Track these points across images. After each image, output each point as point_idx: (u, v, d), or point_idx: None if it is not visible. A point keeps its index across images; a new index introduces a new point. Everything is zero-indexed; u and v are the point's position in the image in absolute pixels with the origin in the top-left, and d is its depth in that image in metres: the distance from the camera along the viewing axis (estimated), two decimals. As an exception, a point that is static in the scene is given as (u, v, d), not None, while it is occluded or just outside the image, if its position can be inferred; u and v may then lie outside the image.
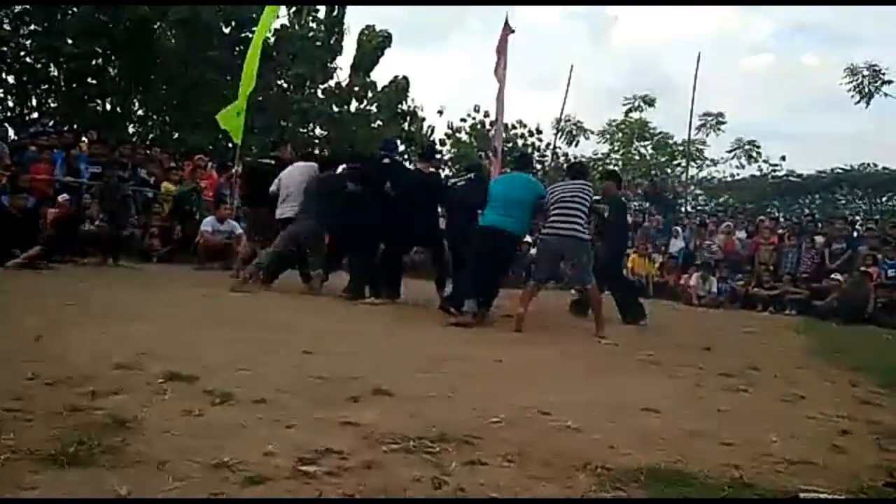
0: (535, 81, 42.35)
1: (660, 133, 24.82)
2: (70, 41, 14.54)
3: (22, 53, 15.01)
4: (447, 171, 26.06)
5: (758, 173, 24.32)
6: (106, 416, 2.28)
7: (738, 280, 11.27)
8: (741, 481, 2.22)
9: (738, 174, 24.55)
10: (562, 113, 17.24)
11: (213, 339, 4.05)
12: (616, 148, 25.80)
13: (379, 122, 20.18)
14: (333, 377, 3.19)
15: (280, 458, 2.04)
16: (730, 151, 23.79)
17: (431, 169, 7.14)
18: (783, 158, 23.94)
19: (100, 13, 13.68)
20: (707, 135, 23.51)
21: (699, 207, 23.58)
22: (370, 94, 19.97)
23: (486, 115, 25.75)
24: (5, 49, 14.85)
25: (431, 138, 23.72)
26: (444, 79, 40.08)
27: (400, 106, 20.49)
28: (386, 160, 6.87)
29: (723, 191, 25.33)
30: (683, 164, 21.87)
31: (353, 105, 19.80)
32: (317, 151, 17.08)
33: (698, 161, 24.29)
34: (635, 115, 24.68)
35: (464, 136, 26.63)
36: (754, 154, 23.61)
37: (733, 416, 3.20)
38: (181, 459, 1.94)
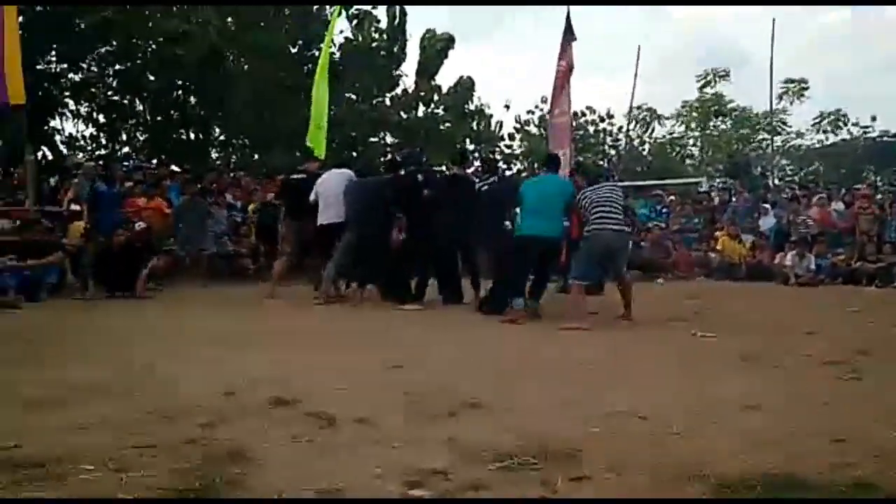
0: (597, 63, 41.30)
1: (738, 107, 23.89)
2: (152, 77, 15.35)
3: (109, 92, 16.00)
4: (519, 166, 26.05)
5: (848, 136, 22.98)
6: (221, 447, 2.41)
7: (838, 255, 10.66)
8: (861, 482, 2.12)
9: (826, 140, 23.31)
10: (632, 98, 16.83)
11: (306, 359, 4.20)
12: (693, 127, 24.99)
13: (447, 124, 20.27)
14: (427, 391, 3.25)
15: (388, 481, 2.10)
16: (813, 125, 22.69)
17: (464, 173, 7.41)
18: (874, 119, 22.49)
19: (176, 47, 14.42)
20: (791, 102, 22.48)
21: (787, 179, 22.53)
22: (436, 98, 20.09)
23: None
24: (94, 90, 15.85)
25: (500, 133, 23.68)
26: (508, 73, 39.66)
27: (466, 105, 20.52)
28: (419, 176, 7.15)
29: (813, 159, 24.05)
30: (767, 136, 20.95)
31: (421, 110, 19.98)
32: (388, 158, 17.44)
33: (782, 133, 23.21)
34: (710, 90, 23.86)
35: (533, 129, 26.43)
36: (840, 124, 22.41)
37: (843, 408, 3.07)
38: (297, 488, 2.03)
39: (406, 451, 2.40)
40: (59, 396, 3.06)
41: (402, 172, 7.38)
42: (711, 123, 24.53)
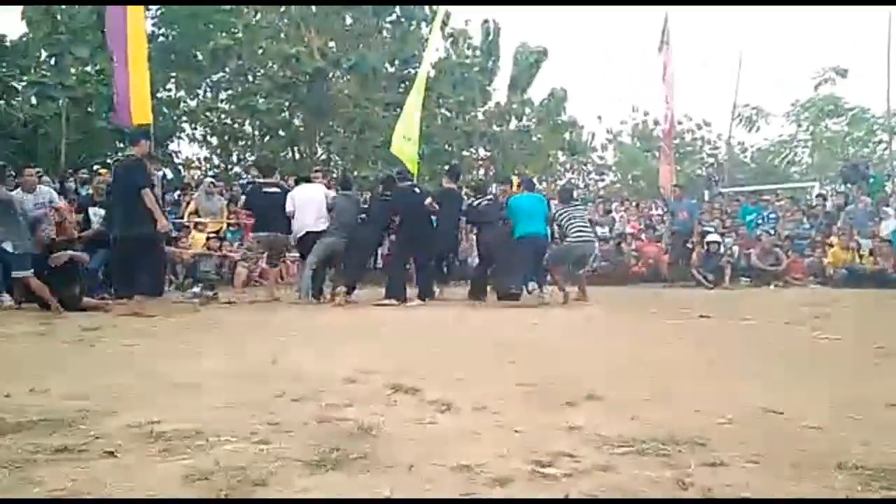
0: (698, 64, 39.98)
1: (854, 107, 22.38)
2: (261, 99, 16.23)
3: (222, 116, 17.07)
4: (611, 177, 25.55)
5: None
6: (349, 425, 2.49)
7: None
8: None
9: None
10: (735, 99, 16.14)
11: (416, 353, 4.30)
12: (804, 128, 23.60)
13: (539, 136, 20.15)
14: (542, 384, 3.23)
15: (515, 460, 2.10)
16: None
17: (454, 186, 8.51)
18: None
19: (284, 70, 15.22)
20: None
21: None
22: (528, 110, 20.02)
23: (646, 114, 24.88)
24: (209, 113, 16.96)
25: (592, 144, 23.39)
26: (601, 84, 39.11)
27: (559, 117, 20.33)
28: (416, 188, 8.23)
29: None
30: (885, 138, 19.50)
31: (514, 122, 19.96)
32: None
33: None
34: (825, 89, 22.45)
35: (625, 139, 25.88)
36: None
37: None
38: (426, 463, 2.07)
39: (529, 436, 2.39)
40: (195, 383, 3.25)
41: (401, 186, 8.09)
42: (823, 124, 23.09)
